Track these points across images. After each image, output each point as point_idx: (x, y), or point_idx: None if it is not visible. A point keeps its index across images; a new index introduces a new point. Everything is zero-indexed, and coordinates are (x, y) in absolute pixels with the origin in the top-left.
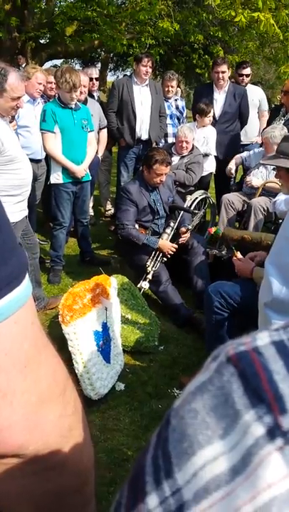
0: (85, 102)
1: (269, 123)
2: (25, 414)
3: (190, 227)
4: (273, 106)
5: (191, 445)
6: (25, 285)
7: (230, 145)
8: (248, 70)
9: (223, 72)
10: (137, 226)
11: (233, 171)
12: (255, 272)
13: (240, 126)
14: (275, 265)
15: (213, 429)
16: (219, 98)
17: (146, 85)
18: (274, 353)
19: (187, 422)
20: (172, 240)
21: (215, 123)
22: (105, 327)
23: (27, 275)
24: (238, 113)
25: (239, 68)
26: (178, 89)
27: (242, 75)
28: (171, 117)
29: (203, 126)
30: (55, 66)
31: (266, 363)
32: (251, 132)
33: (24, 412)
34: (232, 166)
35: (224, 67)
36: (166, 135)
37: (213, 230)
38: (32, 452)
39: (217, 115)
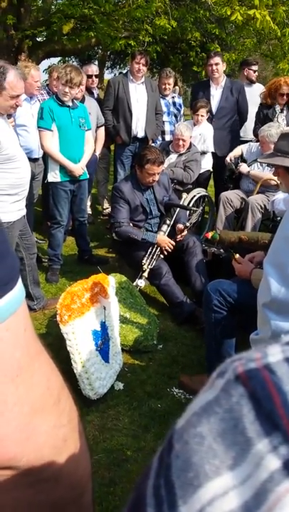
0: (82, 101)
1: (260, 121)
2: (18, 425)
3: (188, 224)
4: (260, 105)
5: (197, 475)
6: (17, 291)
7: (228, 142)
8: (256, 67)
9: (216, 65)
10: (131, 224)
11: (229, 159)
12: (254, 273)
13: (240, 123)
14: (273, 265)
15: (222, 459)
16: (216, 93)
17: (142, 83)
18: (288, 372)
19: (192, 448)
20: (169, 238)
21: (212, 118)
22: (104, 326)
23: (19, 281)
24: (236, 108)
25: (251, 64)
26: (176, 87)
27: (255, 71)
28: (168, 115)
29: (198, 122)
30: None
31: (280, 384)
32: (250, 129)
33: (17, 423)
34: (231, 155)
35: (217, 59)
36: (163, 133)
37: (210, 234)
38: (25, 464)
39: (214, 110)
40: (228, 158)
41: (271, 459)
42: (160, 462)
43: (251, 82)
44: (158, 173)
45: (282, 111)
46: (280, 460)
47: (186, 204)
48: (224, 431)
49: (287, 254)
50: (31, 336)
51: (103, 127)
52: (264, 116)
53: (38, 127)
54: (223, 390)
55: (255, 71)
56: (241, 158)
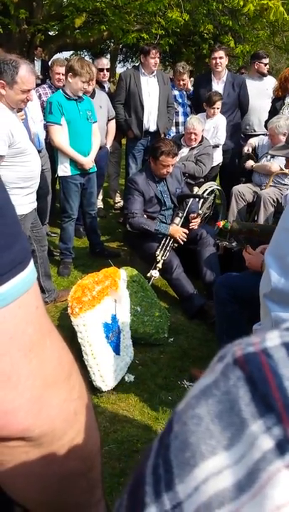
0: (92, 94)
1: (272, 114)
2: (31, 397)
3: (200, 211)
4: (273, 97)
5: (193, 455)
6: (30, 270)
7: (230, 136)
8: (268, 59)
9: (220, 58)
10: (145, 216)
11: (247, 150)
12: (265, 265)
13: (241, 116)
14: (274, 256)
15: (218, 439)
16: (218, 88)
17: (154, 76)
18: (285, 356)
19: (190, 428)
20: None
21: None
22: (114, 319)
23: (31, 261)
24: (238, 102)
25: (262, 57)
26: (192, 79)
27: (266, 64)
28: (182, 106)
29: (213, 115)
30: (65, 59)
31: (276, 367)
32: (256, 124)
33: (29, 395)
34: (247, 147)
35: (221, 53)
36: (177, 124)
37: (221, 223)
38: (37, 435)
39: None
40: (245, 150)
41: (264, 439)
42: (160, 443)
43: (263, 75)
44: (172, 165)
45: None
46: (273, 440)
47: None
48: (221, 412)
49: (287, 245)
50: (43, 314)
51: (114, 120)
52: (274, 109)
53: (47, 122)
54: (222, 373)
55: (266, 64)
56: (254, 152)
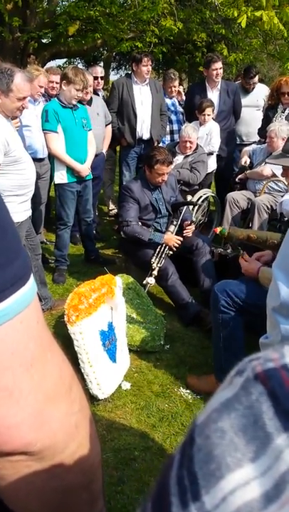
0: (90, 101)
1: (265, 122)
2: (32, 412)
3: (194, 219)
4: (266, 106)
5: (219, 467)
6: (30, 285)
7: (227, 142)
8: (256, 79)
9: (220, 69)
10: (140, 224)
11: (244, 162)
12: (261, 271)
13: (234, 122)
14: (282, 270)
15: (243, 452)
16: (213, 97)
17: (146, 84)
18: None
19: (214, 441)
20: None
21: None
22: (111, 327)
23: (32, 276)
24: (232, 110)
25: (249, 77)
26: (180, 87)
27: (252, 83)
28: (175, 114)
29: (204, 122)
30: (59, 67)
31: None
32: (254, 133)
33: (31, 410)
34: (245, 159)
35: (220, 64)
36: (172, 132)
37: (218, 229)
38: (39, 449)
39: (214, 114)
40: (242, 162)
41: None
42: (182, 454)
43: (245, 90)
44: (167, 173)
45: (283, 111)
46: None
47: (191, 206)
48: (245, 426)
49: None
50: (43, 328)
51: (110, 125)
52: (267, 118)
53: (44, 130)
54: (243, 387)
55: (249, 82)
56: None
